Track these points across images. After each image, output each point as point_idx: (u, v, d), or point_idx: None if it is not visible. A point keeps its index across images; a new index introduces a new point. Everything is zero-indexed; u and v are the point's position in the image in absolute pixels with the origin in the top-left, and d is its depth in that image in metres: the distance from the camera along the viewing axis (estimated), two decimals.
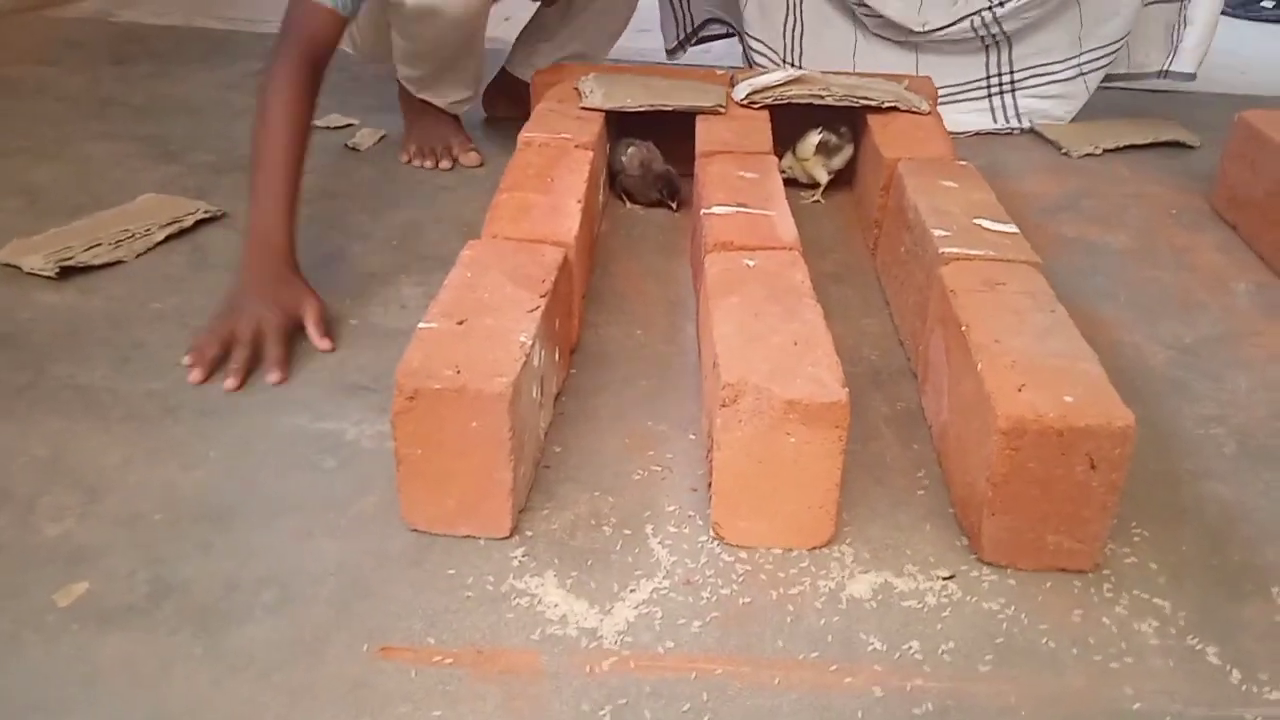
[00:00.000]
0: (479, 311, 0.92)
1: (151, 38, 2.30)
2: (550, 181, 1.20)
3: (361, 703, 0.73)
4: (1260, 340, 1.21)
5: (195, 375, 1.07)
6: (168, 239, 1.36)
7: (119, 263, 1.30)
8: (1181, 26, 1.83)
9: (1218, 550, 0.88)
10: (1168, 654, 0.78)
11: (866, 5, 1.83)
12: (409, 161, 1.63)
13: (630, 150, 1.47)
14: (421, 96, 1.63)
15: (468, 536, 0.88)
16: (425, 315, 0.91)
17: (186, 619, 0.79)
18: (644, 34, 2.03)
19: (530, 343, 0.89)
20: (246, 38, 2.31)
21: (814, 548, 0.87)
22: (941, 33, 1.82)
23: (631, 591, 0.83)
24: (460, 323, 0.90)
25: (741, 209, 1.15)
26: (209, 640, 0.78)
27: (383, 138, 1.72)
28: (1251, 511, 0.93)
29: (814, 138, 1.50)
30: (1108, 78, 1.87)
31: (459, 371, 0.83)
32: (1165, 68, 1.86)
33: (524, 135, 1.33)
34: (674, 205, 1.48)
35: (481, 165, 1.64)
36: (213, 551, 0.86)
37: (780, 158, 1.42)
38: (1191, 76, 1.87)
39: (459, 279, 0.97)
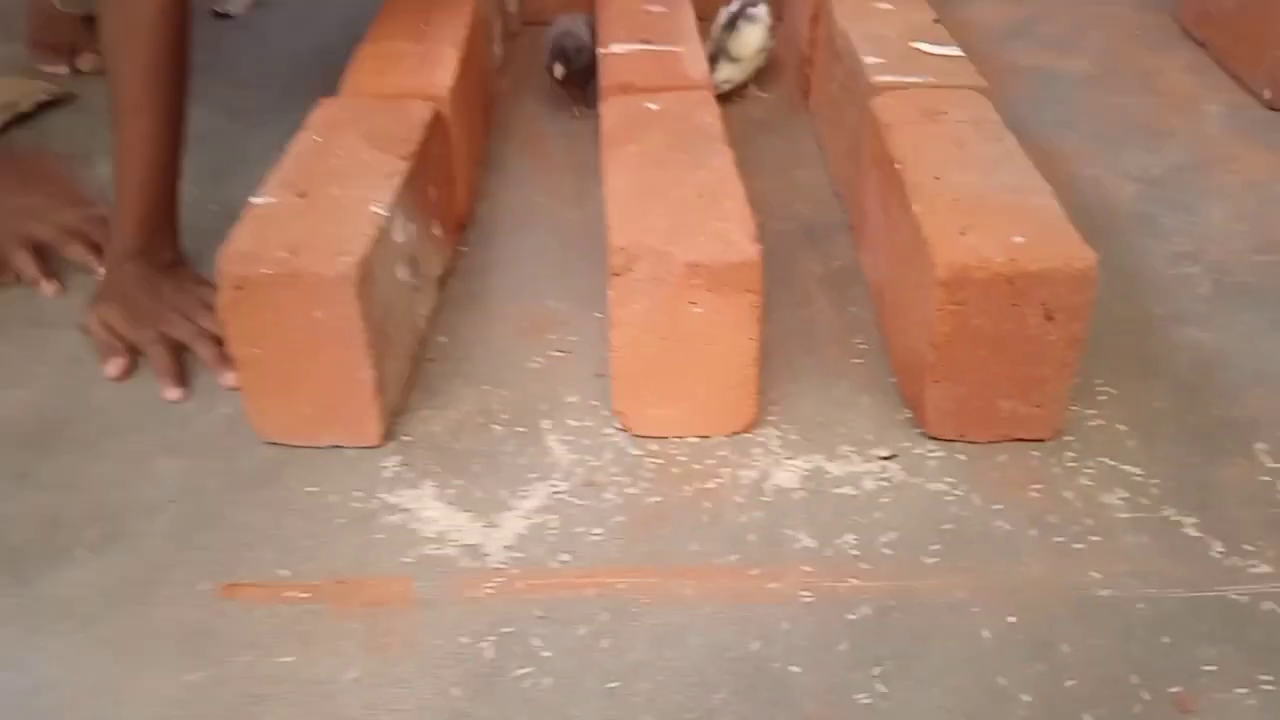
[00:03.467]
0: (326, 180, 0.77)
1: None
2: (425, 29, 1.03)
3: (198, 652, 0.61)
4: (1235, 166, 1.09)
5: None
6: (5, 126, 1.19)
7: None
8: None
9: (1194, 404, 0.77)
10: (1140, 529, 0.67)
11: None
12: None
13: (564, 20, 1.15)
14: None
15: (333, 447, 0.75)
16: (260, 187, 0.76)
17: None
18: None
19: (387, 214, 0.74)
20: None
21: (734, 433, 0.75)
22: None
23: (523, 499, 0.71)
24: (302, 194, 0.76)
25: (645, 46, 0.99)
26: (22, 589, 0.66)
27: (258, 1, 1.53)
28: (1230, 357, 0.82)
29: (754, 35, 1.17)
30: None
31: (294, 253, 0.69)
32: None
33: None
34: (575, 101, 1.17)
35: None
36: (32, 482, 0.73)
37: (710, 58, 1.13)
38: None
39: (305, 144, 0.82)
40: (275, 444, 0.75)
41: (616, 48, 0.99)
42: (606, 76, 0.95)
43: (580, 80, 1.14)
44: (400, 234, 0.77)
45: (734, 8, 1.19)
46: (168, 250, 0.87)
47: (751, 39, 1.18)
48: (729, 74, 1.18)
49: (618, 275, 0.70)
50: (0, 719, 0.58)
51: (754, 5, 1.19)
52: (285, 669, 0.61)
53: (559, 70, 1.12)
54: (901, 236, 0.77)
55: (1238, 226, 0.98)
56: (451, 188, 0.94)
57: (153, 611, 0.64)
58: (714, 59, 1.16)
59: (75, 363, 0.84)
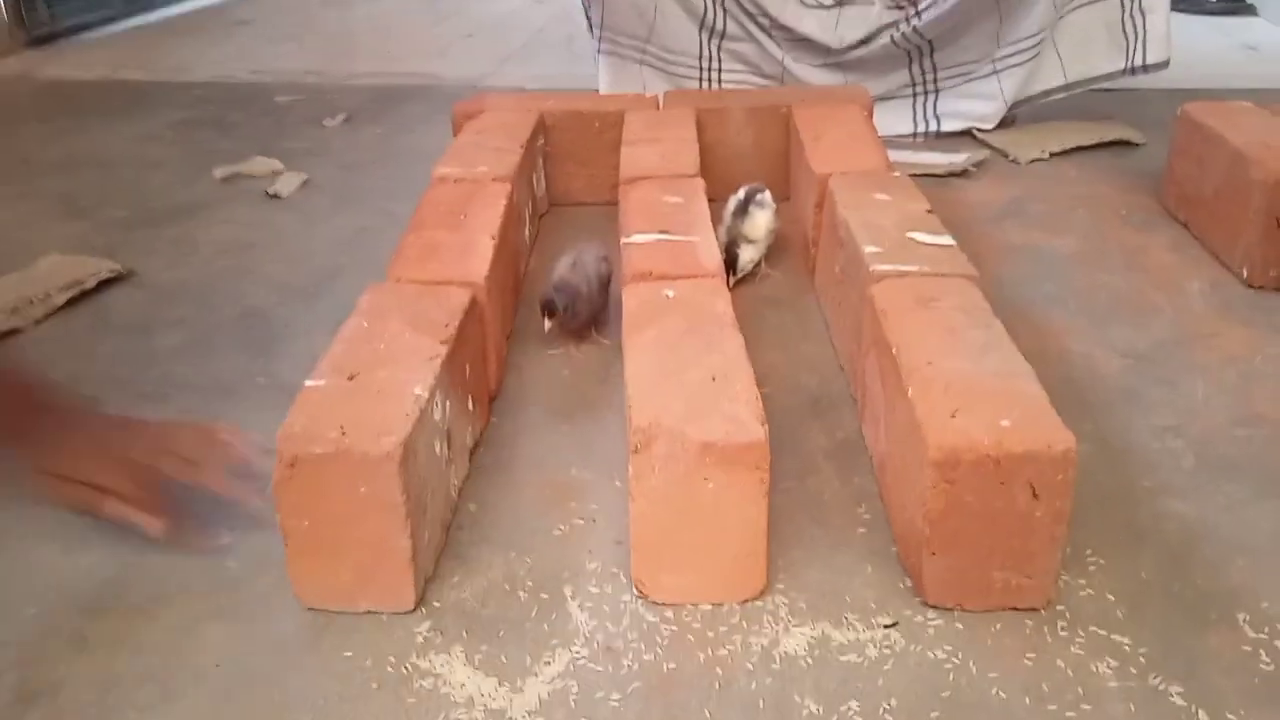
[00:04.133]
0: (373, 364, 0.85)
1: (74, 93, 2.24)
2: (462, 219, 1.13)
3: None
4: (1216, 341, 1.16)
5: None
6: (70, 302, 1.29)
7: (15, 331, 1.23)
8: (1140, 17, 1.77)
9: (1179, 574, 0.82)
10: (1128, 697, 0.71)
11: (784, 28, 1.80)
12: None
13: (574, 255, 1.15)
14: None
15: (369, 612, 0.80)
16: (313, 371, 0.84)
17: None
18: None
19: (427, 395, 0.82)
20: (170, 88, 2.25)
21: (745, 600, 0.80)
22: (863, 49, 1.78)
23: (546, 664, 0.76)
24: (351, 378, 0.83)
25: (663, 236, 1.09)
26: None
27: (305, 183, 1.66)
28: (1213, 529, 0.86)
29: (763, 218, 1.28)
30: (1064, 87, 1.82)
31: (344, 433, 0.76)
32: (1133, 64, 1.79)
33: (438, 171, 1.27)
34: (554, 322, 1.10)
35: None
36: (89, 647, 0.78)
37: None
38: (1166, 64, 1.79)
39: (354, 329, 0.90)
40: (316, 610, 0.80)
41: (637, 237, 1.09)
42: (628, 265, 1.04)
43: (580, 324, 1.14)
44: (438, 413, 0.85)
45: (741, 196, 1.30)
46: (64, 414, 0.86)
47: (762, 221, 1.29)
48: (751, 255, 1.28)
49: (637, 453, 0.77)
50: None
51: (760, 192, 1.31)
52: None
53: (547, 324, 1.09)
54: (898, 416, 0.84)
55: (1219, 400, 1.04)
56: (485, 364, 1.02)
57: None
58: (732, 244, 1.26)
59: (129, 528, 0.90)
